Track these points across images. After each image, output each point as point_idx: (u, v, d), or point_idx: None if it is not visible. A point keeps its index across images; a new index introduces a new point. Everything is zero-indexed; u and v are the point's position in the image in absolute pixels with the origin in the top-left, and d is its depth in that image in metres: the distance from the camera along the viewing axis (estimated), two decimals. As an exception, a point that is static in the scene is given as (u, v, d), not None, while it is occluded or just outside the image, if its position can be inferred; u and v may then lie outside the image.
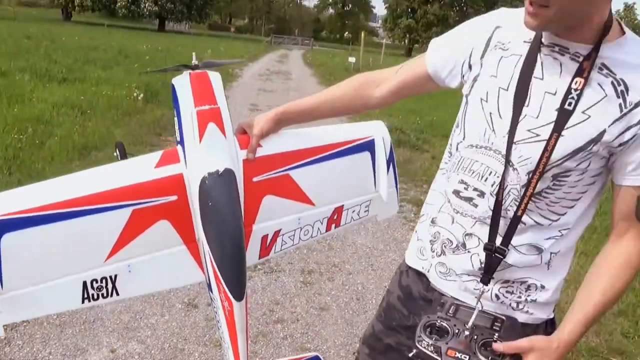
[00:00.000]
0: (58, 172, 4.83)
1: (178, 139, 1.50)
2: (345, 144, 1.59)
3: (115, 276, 1.36)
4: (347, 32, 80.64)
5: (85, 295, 1.34)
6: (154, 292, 1.55)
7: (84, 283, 1.33)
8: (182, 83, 1.51)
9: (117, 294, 1.39)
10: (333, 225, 1.62)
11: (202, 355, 2.70)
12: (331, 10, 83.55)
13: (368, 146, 1.63)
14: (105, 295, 1.37)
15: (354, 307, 3.30)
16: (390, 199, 1.69)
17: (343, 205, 1.62)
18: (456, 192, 1.28)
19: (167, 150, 1.45)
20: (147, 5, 52.19)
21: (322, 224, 1.60)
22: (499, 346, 1.18)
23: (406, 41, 64.26)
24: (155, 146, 6.70)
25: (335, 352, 2.85)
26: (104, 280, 1.35)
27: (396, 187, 1.73)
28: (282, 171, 1.51)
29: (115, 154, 1.62)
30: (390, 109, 10.66)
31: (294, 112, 1.49)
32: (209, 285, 1.45)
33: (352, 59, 22.02)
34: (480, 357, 1.18)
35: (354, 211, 1.65)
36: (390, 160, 1.67)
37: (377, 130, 1.65)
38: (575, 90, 1.11)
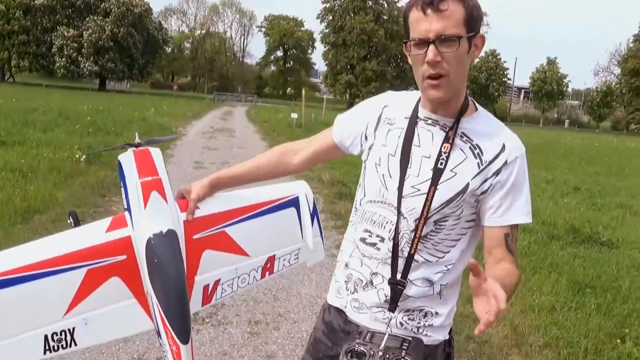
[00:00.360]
0: (0, 237, 4.85)
1: (125, 206, 1.70)
2: (273, 202, 1.85)
3: (74, 329, 1.53)
4: (289, 88, 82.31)
5: (47, 347, 1.51)
6: (109, 341, 1.71)
7: (45, 336, 1.50)
8: (127, 159, 1.72)
9: (76, 344, 1.55)
10: (267, 273, 1.85)
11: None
12: (273, 68, 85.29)
13: (293, 203, 1.89)
14: (64, 346, 1.54)
15: (299, 354, 3.46)
16: (316, 247, 1.95)
17: (275, 255, 1.86)
18: (362, 240, 1.56)
19: (116, 216, 1.66)
20: (87, 65, 51.99)
21: (257, 272, 1.83)
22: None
23: (347, 96, 66.27)
24: (99, 207, 6.74)
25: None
26: (63, 333, 1.52)
27: (321, 236, 1.98)
28: (219, 228, 1.75)
29: (69, 221, 1.78)
30: (333, 163, 11.07)
31: (226, 178, 1.74)
32: (158, 332, 1.64)
33: (294, 115, 22.55)
34: None
35: (285, 259, 1.90)
36: (314, 214, 1.94)
37: (301, 189, 1.92)
38: (444, 153, 1.43)
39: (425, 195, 1.44)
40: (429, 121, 1.48)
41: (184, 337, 1.54)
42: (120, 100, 33.00)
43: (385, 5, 67.21)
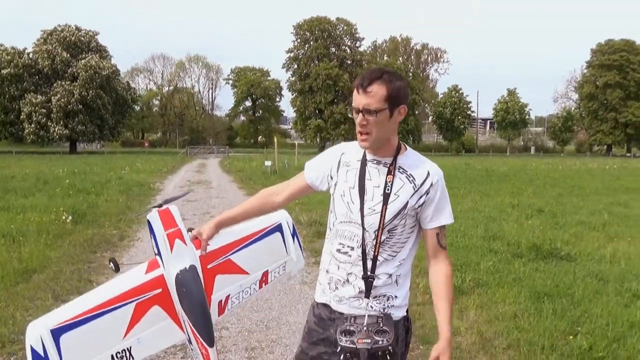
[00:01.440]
0: (4, 297, 5.24)
1: (156, 252, 2.29)
2: (262, 230, 2.50)
3: (130, 347, 2.14)
4: (260, 137, 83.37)
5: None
6: (158, 352, 2.33)
7: (112, 356, 2.07)
8: (154, 217, 2.30)
9: (133, 358, 2.13)
10: (263, 284, 2.52)
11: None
12: (243, 118, 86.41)
13: (277, 228, 2.55)
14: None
15: (293, 372, 3.92)
16: (298, 259, 2.62)
17: (268, 270, 2.52)
18: (338, 250, 2.13)
19: (151, 260, 2.28)
20: (56, 129, 52.25)
21: (256, 285, 2.48)
22: None
23: (318, 140, 67.42)
24: (92, 262, 7.13)
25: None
26: (124, 351, 2.11)
27: (301, 250, 2.63)
28: (225, 257, 2.40)
29: (110, 266, 2.33)
30: (309, 206, 11.67)
31: (227, 220, 2.32)
32: (189, 341, 2.21)
33: (268, 163, 23.18)
34: (376, 337, 1.94)
35: (275, 271, 2.55)
36: (294, 234, 2.59)
37: (282, 217, 2.57)
38: (389, 182, 2.03)
39: (380, 213, 2.03)
40: (374, 161, 2.08)
41: (210, 342, 2.12)
42: (93, 161, 33.28)
43: (348, 50, 69.34)
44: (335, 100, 66.53)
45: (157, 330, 2.17)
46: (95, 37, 58.12)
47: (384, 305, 2.08)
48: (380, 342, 1.93)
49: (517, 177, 23.37)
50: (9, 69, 51.77)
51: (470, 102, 77.51)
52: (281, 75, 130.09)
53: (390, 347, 1.93)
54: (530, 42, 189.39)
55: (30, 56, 54.70)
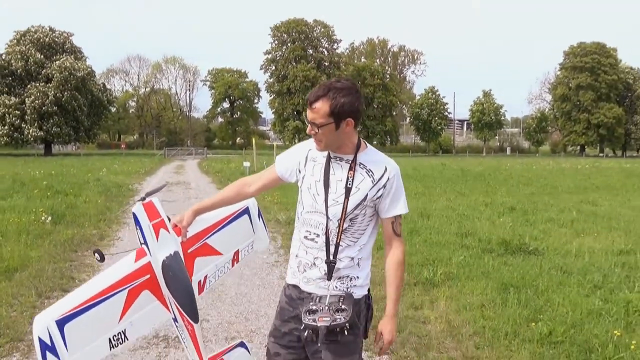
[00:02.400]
0: (-13, 295, 5.34)
1: (142, 241, 2.49)
2: (232, 214, 2.75)
3: (125, 330, 2.32)
4: (238, 138, 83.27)
5: (111, 345, 2.29)
6: (148, 332, 2.54)
7: (109, 339, 2.26)
8: (139, 210, 2.50)
9: (127, 339, 2.33)
10: (235, 262, 2.80)
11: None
12: (220, 119, 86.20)
13: (245, 211, 2.80)
14: (120, 342, 2.33)
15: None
16: (263, 237, 2.90)
17: (239, 249, 2.78)
18: (305, 237, 2.37)
19: (138, 249, 2.48)
20: (31, 131, 51.54)
21: (229, 263, 2.76)
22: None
23: (296, 141, 67.55)
24: (74, 261, 7.25)
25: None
26: (119, 334, 2.30)
27: (266, 229, 2.91)
28: (202, 241, 2.65)
29: (95, 257, 2.50)
30: (287, 205, 11.91)
31: (203, 208, 2.54)
32: (175, 319, 2.42)
33: (246, 164, 23.34)
34: (335, 316, 2.17)
35: (245, 250, 2.83)
36: (259, 215, 2.86)
37: (250, 202, 2.81)
38: (350, 177, 2.27)
39: (342, 204, 2.27)
40: (337, 158, 2.33)
41: (195, 318, 2.35)
42: (69, 163, 33.00)
43: (326, 52, 69.72)
44: (314, 101, 66.78)
45: (147, 312, 2.38)
46: (70, 38, 57.50)
47: (347, 285, 2.32)
48: (338, 320, 2.17)
49: (492, 177, 23.89)
50: (-20, 71, 51.01)
51: (447, 103, 78.67)
52: (259, 76, 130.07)
53: (347, 324, 2.18)
54: (505, 44, 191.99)
55: (3, 57, 53.80)
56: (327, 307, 2.21)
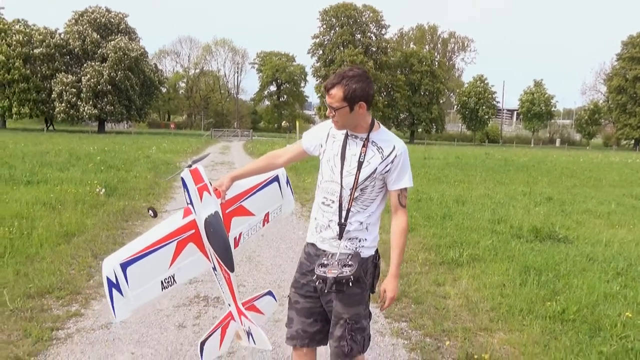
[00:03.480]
0: (49, 255, 5.95)
1: (188, 202, 2.89)
2: (264, 181, 3.18)
3: (174, 274, 2.73)
4: (284, 121, 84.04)
5: (162, 287, 2.70)
6: (192, 277, 2.98)
7: (161, 281, 2.67)
8: (186, 175, 2.89)
9: (176, 282, 2.74)
10: (266, 223, 3.23)
11: (191, 353, 3.89)
12: (267, 102, 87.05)
13: (275, 179, 3.23)
14: (170, 285, 2.74)
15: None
16: (290, 201, 3.34)
17: (269, 211, 3.21)
18: (322, 202, 2.75)
19: (186, 208, 2.88)
20: (86, 108, 53.48)
21: (260, 223, 3.20)
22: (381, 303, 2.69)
23: (341, 126, 67.69)
24: (125, 229, 7.86)
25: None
26: (169, 278, 2.71)
27: (292, 195, 3.33)
28: (238, 204, 3.06)
29: (150, 213, 2.93)
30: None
31: (239, 175, 2.94)
32: (214, 268, 2.84)
33: (288, 146, 23.75)
34: (342, 269, 2.55)
35: (274, 212, 3.27)
36: (287, 183, 3.28)
37: (279, 171, 3.23)
38: (363, 153, 2.62)
39: (354, 175, 2.63)
40: (353, 136, 2.68)
41: (231, 268, 2.78)
42: (121, 140, 34.32)
43: (373, 37, 69.31)
44: (360, 87, 66.59)
45: (192, 261, 2.80)
46: (125, 19, 59.11)
47: (356, 245, 2.69)
48: (344, 273, 2.54)
49: (535, 168, 23.62)
50: (41, 49, 53.06)
51: (495, 92, 77.04)
52: (306, 60, 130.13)
53: (352, 277, 2.54)
54: (559, 34, 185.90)
55: (62, 36, 55.88)
56: (336, 262, 2.59)
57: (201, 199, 2.78)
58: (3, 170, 13.05)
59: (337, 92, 2.52)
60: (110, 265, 2.48)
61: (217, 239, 2.77)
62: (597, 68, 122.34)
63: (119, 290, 2.46)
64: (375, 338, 4.21)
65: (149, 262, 2.59)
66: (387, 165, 2.63)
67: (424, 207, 10.57)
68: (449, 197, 12.18)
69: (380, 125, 2.73)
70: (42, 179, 11.98)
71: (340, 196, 2.66)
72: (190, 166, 2.93)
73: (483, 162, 26.14)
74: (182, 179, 2.90)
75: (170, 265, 2.70)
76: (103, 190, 10.59)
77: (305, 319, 2.82)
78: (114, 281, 2.46)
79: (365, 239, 2.70)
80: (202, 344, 2.84)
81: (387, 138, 2.69)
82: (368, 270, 2.71)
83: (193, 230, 2.79)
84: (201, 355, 2.85)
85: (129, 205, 9.66)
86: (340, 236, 2.67)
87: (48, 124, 56.65)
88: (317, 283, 2.64)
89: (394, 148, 2.65)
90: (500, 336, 4.36)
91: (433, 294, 5.33)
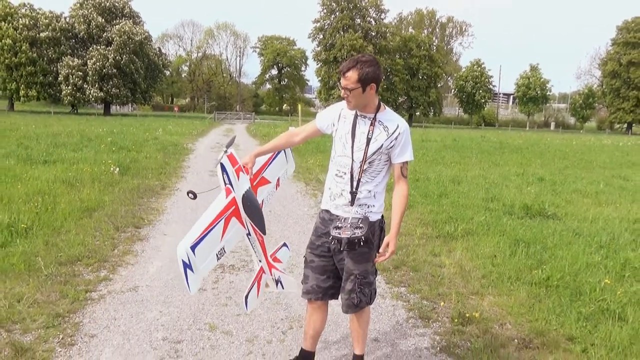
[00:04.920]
0: (72, 227, 6.29)
1: (227, 182, 3.15)
2: (274, 155, 3.52)
3: (224, 246, 3.05)
4: (285, 105, 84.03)
5: (217, 257, 3.00)
6: (236, 245, 3.29)
7: (216, 254, 2.99)
8: (225, 160, 3.16)
9: (225, 252, 3.06)
10: (277, 187, 3.63)
11: (212, 311, 4.24)
12: (268, 86, 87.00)
13: (282, 152, 3.59)
14: (222, 255, 3.04)
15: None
16: (291, 163, 3.77)
17: (279, 177, 3.63)
18: (335, 174, 3.07)
19: (226, 188, 3.15)
20: (92, 91, 53.57)
21: (274, 188, 3.60)
22: (381, 255, 3.00)
23: (341, 109, 67.72)
24: (141, 205, 8.20)
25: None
26: (221, 249, 3.02)
27: (292, 157, 3.75)
28: (261, 176, 3.41)
29: (190, 196, 3.17)
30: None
31: (261, 152, 3.30)
32: (249, 234, 3.19)
33: (292, 129, 24.01)
34: (354, 231, 2.88)
35: (283, 177, 3.67)
36: (289, 153, 3.67)
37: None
38: (371, 130, 2.94)
39: (364, 150, 2.95)
40: (362, 116, 2.99)
41: (264, 232, 3.18)
42: (128, 122, 34.52)
43: (373, 22, 69.06)
44: (359, 71, 66.50)
45: (234, 231, 3.12)
46: (129, 3, 58.83)
47: (365, 210, 3.02)
48: (356, 234, 2.88)
49: (529, 150, 23.92)
50: (47, 32, 52.91)
51: (492, 76, 76.95)
52: (307, 45, 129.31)
53: (363, 237, 2.88)
54: (555, 18, 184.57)
55: (67, 20, 55.68)
56: (348, 225, 2.93)
57: (238, 178, 3.11)
58: (20, 151, 13.38)
59: (352, 74, 2.82)
60: (183, 250, 2.76)
61: (253, 210, 3.14)
62: (593, 53, 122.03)
63: (191, 269, 2.76)
64: (377, 300, 4.55)
65: (208, 241, 2.89)
66: (391, 142, 2.95)
67: (421, 186, 10.90)
68: (446, 177, 12.51)
69: (386, 106, 3.04)
70: (57, 158, 12.30)
71: (352, 168, 2.98)
72: (226, 152, 3.20)
73: (479, 144, 26.44)
74: (221, 164, 3.16)
75: (221, 239, 3.01)
76: (117, 169, 10.91)
77: (319, 276, 3.16)
78: (187, 262, 2.75)
79: (373, 205, 3.03)
80: (246, 297, 3.22)
81: (391, 118, 3.00)
82: (375, 233, 3.04)
83: (234, 207, 3.11)
84: (246, 306, 3.24)
85: (143, 184, 9.99)
86: (352, 203, 3.00)
87: (74, 109, 56.63)
88: (332, 243, 2.98)
89: (397, 127, 2.96)
90: (490, 299, 4.72)
91: (430, 263, 5.68)
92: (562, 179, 13.42)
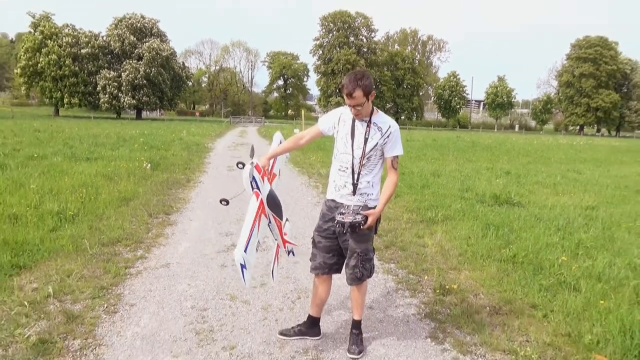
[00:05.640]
0: (112, 214, 6.30)
1: (254, 187, 3.12)
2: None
3: (259, 240, 3.04)
4: (290, 110, 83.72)
5: (256, 250, 3.01)
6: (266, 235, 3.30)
7: (255, 247, 2.97)
8: (253, 170, 3.12)
9: (259, 243, 3.06)
10: (279, 176, 3.63)
11: (232, 285, 4.27)
12: (276, 94, 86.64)
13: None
14: (259, 246, 3.05)
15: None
16: (287, 155, 3.78)
17: (280, 168, 3.66)
18: (338, 169, 3.08)
19: (255, 192, 3.13)
20: (126, 99, 53.45)
21: (279, 179, 3.60)
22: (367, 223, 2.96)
23: (337, 114, 67.57)
24: (171, 196, 8.20)
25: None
26: (258, 242, 3.03)
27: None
28: (272, 172, 3.39)
29: (223, 203, 3.15)
30: (327, 164, 12.57)
31: (273, 154, 3.28)
32: (269, 222, 3.18)
33: (296, 131, 24.05)
34: (356, 216, 2.90)
35: (282, 167, 3.69)
36: (281, 142, 3.62)
37: (279, 136, 3.68)
38: (367, 132, 2.94)
39: (362, 148, 2.96)
40: (360, 120, 2.99)
41: (282, 218, 3.21)
42: (157, 126, 34.42)
43: (364, 40, 68.77)
44: (353, 81, 66.26)
45: (263, 225, 3.14)
46: (157, 23, 58.43)
47: (365, 198, 3.03)
48: (357, 219, 2.91)
49: (497, 149, 23.87)
50: (87, 49, 52.68)
51: (465, 85, 76.66)
52: (308, 59, 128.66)
53: (362, 221, 2.91)
54: (521, 36, 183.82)
55: (104, 39, 55.41)
56: (351, 211, 2.95)
57: (263, 182, 3.13)
58: (66, 150, 13.35)
59: (358, 93, 2.81)
60: (240, 255, 2.79)
61: (275, 204, 3.19)
62: (550, 66, 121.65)
63: (245, 267, 2.79)
64: (371, 274, 4.59)
65: (251, 241, 2.91)
66: (385, 139, 2.96)
67: (407, 179, 10.89)
68: (427, 171, 12.51)
69: (379, 110, 3.04)
70: (98, 156, 12.27)
71: (352, 164, 3.00)
72: (252, 163, 3.19)
73: (455, 143, 26.38)
74: (252, 176, 3.12)
75: (257, 234, 3.02)
76: (149, 165, 10.90)
77: (325, 254, 3.19)
78: (243, 263, 2.78)
79: (372, 193, 3.05)
80: (272, 271, 3.29)
81: (384, 120, 3.01)
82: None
83: (262, 207, 3.12)
84: (273, 277, 3.29)
85: (171, 177, 9.99)
86: (354, 192, 3.02)
87: (119, 115, 56.34)
88: (337, 226, 2.99)
89: (389, 127, 2.98)
90: (466, 274, 4.74)
91: (415, 244, 5.70)
92: (525, 173, 13.42)
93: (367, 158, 2.98)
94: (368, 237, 3.06)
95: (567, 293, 4.17)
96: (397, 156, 3.03)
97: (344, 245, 3.12)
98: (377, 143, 2.96)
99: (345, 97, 2.86)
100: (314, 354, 3.19)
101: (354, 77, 2.84)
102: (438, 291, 4.23)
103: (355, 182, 3.00)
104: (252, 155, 3.31)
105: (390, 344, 3.34)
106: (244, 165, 3.15)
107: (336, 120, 3.09)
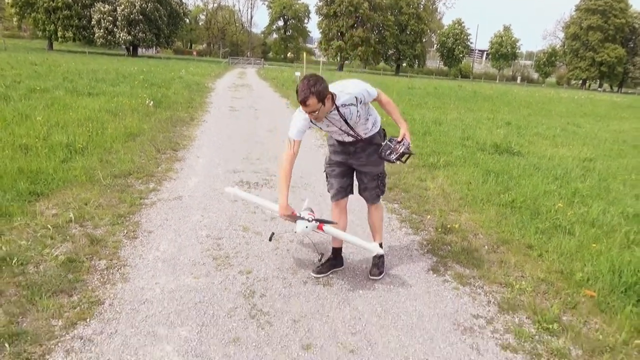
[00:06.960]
0: (120, 148, 6.41)
1: (314, 221, 3.19)
2: None
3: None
4: (289, 53, 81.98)
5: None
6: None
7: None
8: (314, 225, 3.19)
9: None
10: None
11: (244, 217, 4.46)
12: (275, 35, 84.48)
13: None
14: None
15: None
16: None
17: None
18: (337, 141, 3.28)
19: (319, 225, 3.23)
20: (121, 35, 51.97)
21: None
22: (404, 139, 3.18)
23: (338, 59, 66.44)
24: (175, 133, 8.28)
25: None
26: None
27: None
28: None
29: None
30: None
31: (286, 196, 3.05)
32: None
33: (297, 74, 23.72)
34: (400, 148, 3.13)
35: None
36: None
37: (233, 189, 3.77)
38: (342, 116, 3.02)
39: (350, 127, 3.12)
40: (331, 112, 3.00)
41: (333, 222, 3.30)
42: (154, 63, 33.75)
43: (369, -19, 66.26)
44: (355, 25, 64.64)
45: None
46: (153, -46, 55.93)
47: (369, 135, 3.30)
48: (405, 150, 3.16)
49: (499, 99, 23.75)
50: (81, -20, 50.70)
51: (470, 34, 74.98)
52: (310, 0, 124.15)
53: (408, 147, 3.17)
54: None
55: (98, -31, 53.15)
56: (392, 146, 3.19)
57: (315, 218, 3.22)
58: (66, 84, 13.23)
59: (312, 101, 2.79)
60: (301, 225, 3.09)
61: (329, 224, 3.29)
62: (558, 17, 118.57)
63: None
64: (376, 213, 4.79)
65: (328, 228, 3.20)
66: (360, 103, 3.05)
67: (408, 125, 10.96)
68: (429, 119, 12.55)
69: (336, 93, 2.97)
70: (99, 92, 12.20)
71: (348, 135, 3.20)
72: (317, 220, 3.23)
73: (456, 93, 26.17)
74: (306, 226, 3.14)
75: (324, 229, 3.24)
76: (152, 102, 10.89)
77: (340, 179, 3.44)
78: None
79: (373, 126, 3.29)
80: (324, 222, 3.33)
81: (346, 98, 2.99)
82: (379, 136, 3.33)
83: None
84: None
85: (174, 115, 10.03)
86: (355, 139, 3.28)
87: (130, 51, 54.87)
88: (351, 147, 3.31)
89: (355, 98, 3.01)
90: (466, 216, 4.95)
91: (417, 187, 5.89)
92: (525, 124, 13.49)
93: (356, 123, 3.16)
94: (380, 162, 3.38)
95: (561, 236, 4.40)
96: (377, 96, 3.15)
97: (359, 163, 3.36)
98: (357, 111, 3.07)
99: (299, 103, 2.85)
100: (325, 279, 3.43)
101: (306, 84, 2.79)
102: (440, 230, 4.45)
103: (357, 137, 3.23)
104: (270, 238, 3.51)
105: (395, 274, 3.58)
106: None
107: (307, 125, 3.04)
